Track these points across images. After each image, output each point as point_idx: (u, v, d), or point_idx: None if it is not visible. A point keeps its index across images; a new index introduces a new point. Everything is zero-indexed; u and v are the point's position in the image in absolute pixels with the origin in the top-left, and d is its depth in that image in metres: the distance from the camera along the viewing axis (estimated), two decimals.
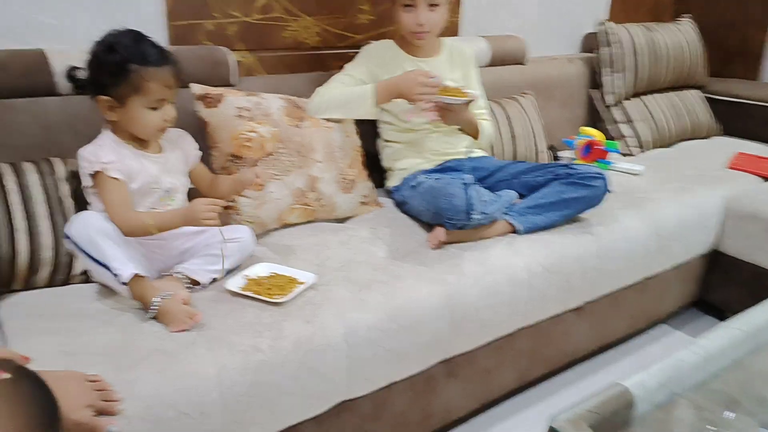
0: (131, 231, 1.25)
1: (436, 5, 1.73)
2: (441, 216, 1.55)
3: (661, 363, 1.04)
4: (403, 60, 1.84)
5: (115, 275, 1.17)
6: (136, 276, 1.17)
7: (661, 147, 2.58)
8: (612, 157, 2.28)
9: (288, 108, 1.67)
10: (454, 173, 1.72)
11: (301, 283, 1.35)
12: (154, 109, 1.27)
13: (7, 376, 0.66)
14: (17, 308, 1.24)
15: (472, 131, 1.89)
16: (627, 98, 2.57)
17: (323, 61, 2.06)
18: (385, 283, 1.41)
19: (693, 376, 1.05)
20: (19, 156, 1.40)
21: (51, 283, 1.32)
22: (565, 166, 1.73)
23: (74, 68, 1.30)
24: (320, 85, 1.82)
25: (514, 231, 1.67)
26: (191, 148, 1.44)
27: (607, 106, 2.55)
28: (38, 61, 1.46)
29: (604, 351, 2.01)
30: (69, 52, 1.46)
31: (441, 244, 1.57)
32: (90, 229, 1.17)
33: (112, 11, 1.64)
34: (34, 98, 1.46)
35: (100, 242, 1.17)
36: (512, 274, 1.57)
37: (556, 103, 2.50)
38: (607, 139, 2.32)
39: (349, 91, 1.74)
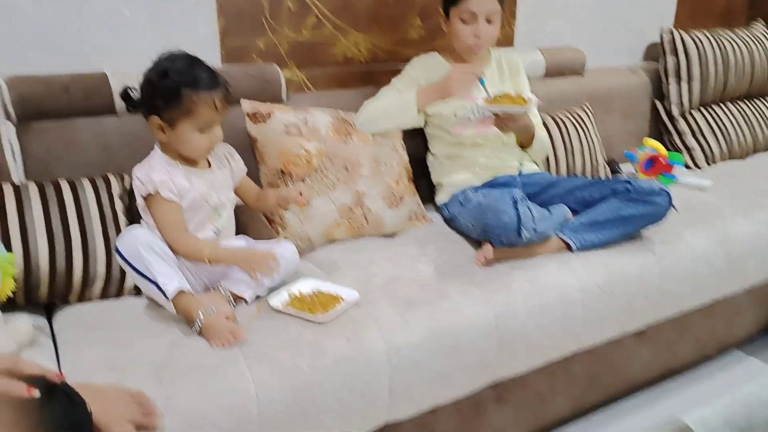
0: (185, 253, 1.27)
1: (492, 21, 1.72)
2: (489, 233, 1.51)
3: (727, 397, 0.95)
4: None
5: (161, 290, 1.19)
6: (181, 292, 1.19)
7: (731, 160, 2.42)
8: (677, 171, 2.16)
9: (335, 124, 1.67)
10: (504, 189, 1.66)
11: (345, 300, 1.34)
12: (203, 131, 1.30)
13: (36, 394, 0.66)
14: (71, 320, 1.28)
15: (528, 138, 1.83)
16: (694, 109, 2.43)
17: (373, 76, 2.06)
18: (431, 301, 1.37)
19: (764, 413, 0.95)
20: (79, 173, 1.46)
21: (104, 296, 1.36)
22: (625, 181, 1.64)
23: (128, 88, 1.34)
24: (369, 99, 1.82)
25: (569, 249, 1.60)
26: (238, 163, 1.46)
27: (672, 118, 2.42)
28: (99, 82, 1.52)
29: (668, 379, 1.88)
30: (128, 72, 1.51)
31: (489, 262, 1.52)
32: (137, 243, 1.20)
33: (169, 33, 1.70)
34: (94, 117, 1.52)
35: (146, 257, 1.19)
36: (565, 293, 1.50)
37: (617, 114, 2.40)
38: (671, 151, 2.20)
39: (393, 101, 1.73)
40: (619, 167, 2.25)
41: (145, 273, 1.20)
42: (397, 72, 2.05)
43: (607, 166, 2.16)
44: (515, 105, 1.64)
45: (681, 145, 2.39)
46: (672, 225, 1.70)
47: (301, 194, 1.40)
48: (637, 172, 2.18)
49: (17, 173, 1.42)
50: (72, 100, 1.48)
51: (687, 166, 2.33)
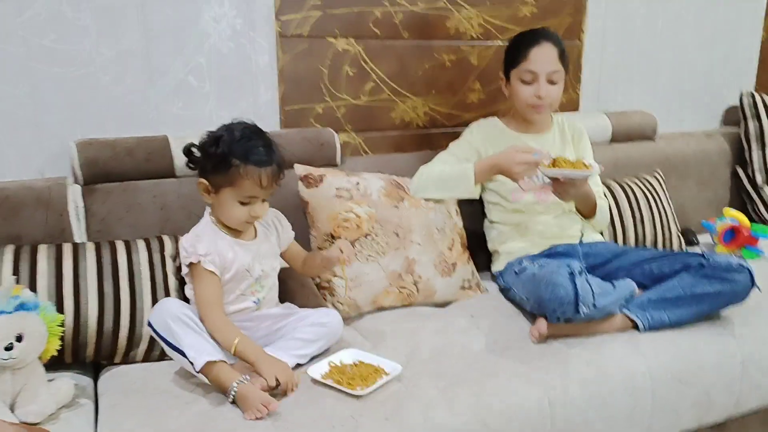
0: (213, 334, 1.25)
1: (554, 81, 1.68)
2: (544, 308, 1.40)
3: None
4: (510, 137, 1.76)
5: (191, 362, 1.17)
6: (212, 362, 1.17)
7: None
8: (763, 244, 1.97)
9: (387, 188, 1.65)
10: (562, 259, 1.56)
11: (387, 374, 1.27)
12: (245, 204, 1.29)
13: None
14: (114, 383, 1.29)
15: (589, 209, 1.73)
16: None
17: (430, 140, 2.05)
18: (477, 380, 1.28)
19: None
20: (137, 233, 1.51)
21: (147, 359, 1.36)
22: (699, 255, 1.50)
23: (192, 145, 1.37)
24: (424, 163, 1.80)
25: (635, 328, 1.46)
26: (286, 229, 1.46)
27: (756, 186, 2.24)
28: (161, 146, 1.59)
29: None
30: (188, 137, 1.57)
31: (543, 338, 1.41)
32: (167, 316, 1.20)
33: (233, 100, 1.77)
34: (154, 180, 1.58)
35: (176, 329, 1.19)
36: (631, 379, 1.36)
37: (693, 182, 2.25)
38: (755, 222, 2.02)
39: (449, 170, 1.69)
40: (696, 238, 2.09)
41: (175, 345, 1.20)
42: (455, 136, 2.03)
43: (681, 236, 2.00)
44: (576, 169, 1.56)
45: (767, 215, 2.20)
46: (755, 305, 1.53)
47: (341, 250, 1.36)
48: (716, 244, 2.01)
49: (79, 233, 1.48)
50: (135, 162, 1.55)
51: None
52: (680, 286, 1.47)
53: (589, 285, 1.39)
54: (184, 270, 1.33)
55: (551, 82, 1.68)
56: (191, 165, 1.37)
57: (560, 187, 1.61)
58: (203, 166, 1.32)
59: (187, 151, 1.37)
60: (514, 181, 1.59)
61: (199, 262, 1.27)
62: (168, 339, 1.21)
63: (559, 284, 1.37)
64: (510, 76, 1.73)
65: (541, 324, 1.41)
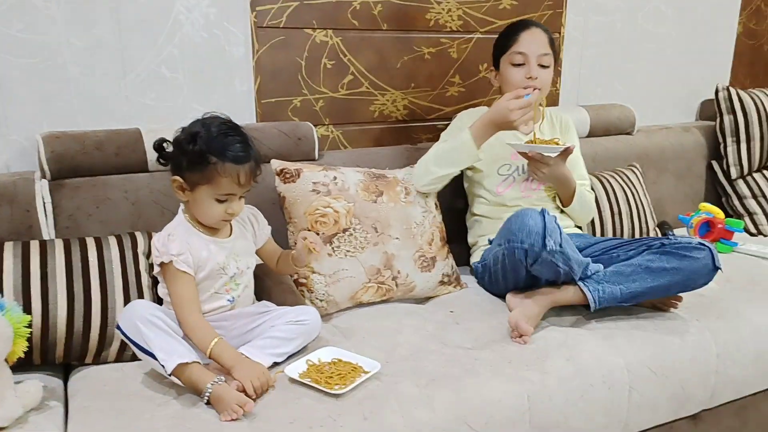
0: (191, 335, 1.22)
1: (545, 66, 1.68)
2: (512, 244, 1.41)
3: None
4: None
5: (162, 365, 1.14)
6: (183, 364, 1.14)
7: None
8: (738, 237, 2.00)
9: (365, 183, 1.63)
10: None
11: (365, 372, 1.26)
12: (221, 201, 1.26)
13: None
14: (85, 384, 1.25)
15: (567, 193, 1.73)
16: (755, 171, 2.27)
17: (409, 133, 2.03)
18: (457, 378, 1.27)
19: None
20: (108, 229, 1.47)
21: (119, 359, 1.32)
22: (663, 237, 1.51)
23: (164, 140, 1.32)
24: (405, 157, 1.79)
25: (587, 304, 1.46)
26: (261, 226, 1.43)
27: (731, 180, 2.27)
28: (133, 139, 1.54)
29: None
30: (162, 130, 1.53)
31: (526, 335, 1.40)
32: (136, 318, 1.17)
33: (207, 92, 1.73)
34: (126, 175, 1.53)
35: (145, 332, 1.15)
36: (609, 374, 1.37)
37: (670, 176, 2.27)
38: (730, 216, 2.05)
39: (445, 145, 1.66)
40: (672, 231, 2.10)
41: (145, 348, 1.16)
42: (434, 129, 2.02)
43: (657, 230, 2.02)
44: (545, 145, 1.59)
45: (741, 209, 2.23)
46: (730, 299, 1.55)
47: (305, 238, 1.34)
48: (691, 237, 2.03)
49: (47, 230, 1.44)
50: (105, 156, 1.50)
51: (749, 233, 2.15)
52: (637, 262, 1.46)
53: (557, 226, 1.40)
54: (156, 269, 1.29)
55: (542, 66, 1.67)
56: (162, 161, 1.33)
57: (533, 165, 1.65)
58: (177, 163, 1.27)
59: (159, 146, 1.32)
60: (515, 129, 1.59)
61: (171, 261, 1.23)
62: (138, 342, 1.17)
63: (528, 215, 1.40)
64: (500, 64, 1.72)
65: (520, 325, 1.40)
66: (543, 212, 1.40)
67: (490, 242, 1.66)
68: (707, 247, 1.44)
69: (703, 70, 2.56)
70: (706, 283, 1.47)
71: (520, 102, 1.54)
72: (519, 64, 1.68)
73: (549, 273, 1.44)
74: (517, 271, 1.47)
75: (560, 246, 1.37)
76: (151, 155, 1.52)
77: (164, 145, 1.32)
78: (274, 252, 1.46)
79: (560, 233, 1.38)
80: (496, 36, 1.77)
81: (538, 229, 1.37)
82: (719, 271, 1.45)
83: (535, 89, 1.62)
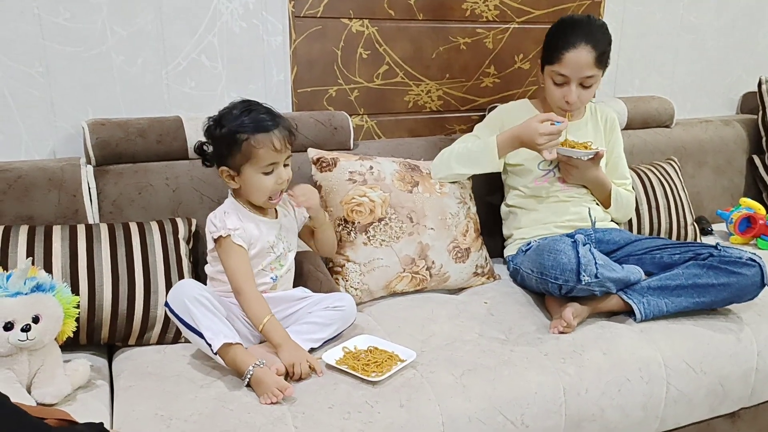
0: (246, 307, 1.26)
1: (587, 86, 1.62)
2: (546, 277, 1.40)
3: None
4: None
5: (208, 344, 1.17)
6: (229, 344, 1.17)
7: None
8: None
9: (401, 173, 1.64)
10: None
11: (402, 360, 1.27)
12: (268, 174, 1.29)
13: None
14: (129, 364, 1.29)
15: (602, 196, 1.71)
16: None
17: (443, 124, 2.03)
18: (491, 368, 1.28)
19: None
20: (149, 215, 1.50)
21: (161, 341, 1.36)
22: (711, 246, 1.48)
23: (203, 143, 1.36)
24: (439, 148, 1.78)
25: (632, 314, 1.45)
26: (300, 208, 1.44)
27: None
28: (174, 126, 1.57)
29: None
30: (201, 118, 1.55)
31: (571, 325, 1.39)
32: (185, 296, 1.20)
33: (245, 81, 1.75)
34: (167, 162, 1.56)
35: (193, 310, 1.18)
36: (646, 368, 1.36)
37: (709, 170, 2.22)
38: None
39: (471, 145, 1.66)
40: (710, 227, 2.06)
41: (192, 326, 1.19)
42: (468, 120, 2.01)
43: (695, 225, 1.98)
44: (575, 149, 1.57)
45: None
46: None
47: (290, 194, 1.36)
48: (731, 233, 1.99)
49: (92, 214, 1.47)
50: (147, 143, 1.53)
51: None
52: (684, 276, 1.44)
53: (592, 255, 1.37)
54: (210, 245, 1.32)
55: (584, 86, 1.62)
56: (207, 163, 1.37)
57: (563, 167, 1.65)
58: (218, 155, 1.32)
59: (200, 149, 1.37)
60: (537, 152, 1.56)
61: (229, 235, 1.27)
62: (185, 320, 1.20)
63: (561, 251, 1.37)
64: (544, 70, 1.67)
65: (566, 312, 1.39)
66: (576, 244, 1.37)
67: (525, 246, 1.64)
68: (757, 263, 1.41)
69: (745, 62, 2.49)
70: (751, 299, 1.45)
71: (550, 128, 1.51)
72: (559, 83, 1.63)
73: (586, 296, 1.42)
74: (552, 293, 1.46)
75: (596, 276, 1.35)
76: (192, 143, 1.55)
77: (204, 147, 1.36)
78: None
79: (595, 262, 1.35)
80: (533, 26, 1.74)
81: (572, 265, 1.34)
82: (767, 287, 1.42)
83: (566, 118, 1.57)
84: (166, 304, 1.24)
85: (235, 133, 1.26)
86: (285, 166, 1.32)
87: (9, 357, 1.08)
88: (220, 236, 1.28)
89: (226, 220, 1.29)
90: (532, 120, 1.55)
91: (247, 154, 1.27)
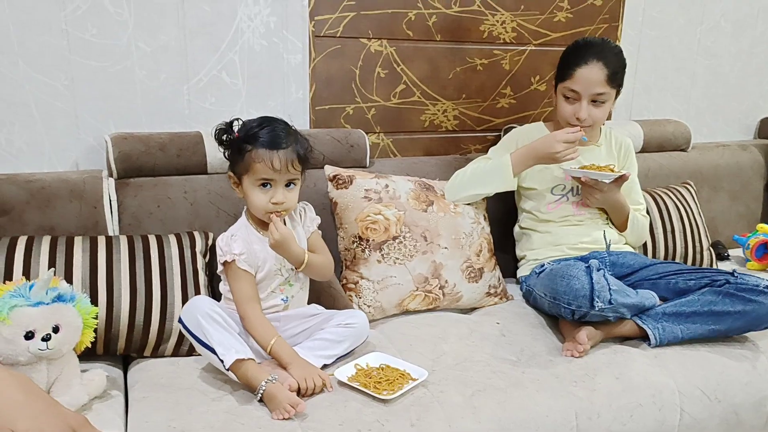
0: (252, 331, 1.28)
1: (601, 101, 1.63)
2: (560, 303, 1.40)
3: None
4: None
5: (221, 360, 1.18)
6: (241, 360, 1.18)
7: None
8: None
9: (416, 191, 1.65)
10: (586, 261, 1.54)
11: (413, 379, 1.27)
12: (264, 190, 1.30)
13: None
14: (143, 375, 1.30)
15: (621, 220, 1.71)
16: None
17: (459, 144, 2.04)
18: (502, 389, 1.28)
19: None
20: (166, 228, 1.52)
21: (176, 353, 1.37)
22: (728, 273, 1.47)
23: (222, 130, 1.35)
24: (454, 168, 1.79)
25: (646, 339, 1.44)
26: (309, 217, 1.44)
27: None
28: (194, 141, 1.60)
29: None
30: None
31: (584, 349, 1.39)
32: (197, 313, 1.21)
33: (264, 98, 1.78)
34: (185, 176, 1.59)
35: (206, 326, 1.20)
36: (659, 394, 1.35)
37: (725, 194, 2.21)
38: None
39: (485, 166, 1.67)
40: (726, 253, 2.05)
41: (205, 342, 1.21)
42: (484, 140, 2.02)
43: (711, 250, 1.97)
44: (599, 171, 1.58)
45: None
46: None
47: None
48: (747, 259, 1.98)
49: (112, 226, 1.50)
50: (167, 157, 1.56)
51: None
52: (699, 302, 1.43)
53: (606, 281, 1.37)
54: (219, 268, 1.34)
55: (596, 103, 1.63)
56: (222, 146, 1.36)
57: (586, 190, 1.64)
58: (229, 159, 1.36)
59: (219, 133, 1.36)
60: (554, 162, 1.56)
61: (234, 261, 1.29)
62: (198, 336, 1.22)
63: (574, 276, 1.37)
64: (557, 89, 1.69)
65: (581, 334, 1.39)
66: (590, 270, 1.36)
67: (539, 268, 1.64)
68: None
69: (762, 88, 2.49)
70: (767, 328, 1.43)
71: (568, 136, 1.52)
72: (571, 100, 1.64)
73: (599, 321, 1.42)
74: (565, 318, 1.46)
75: (609, 302, 1.35)
76: (211, 158, 1.59)
77: (223, 134, 1.36)
78: (315, 247, 1.43)
79: (609, 288, 1.35)
80: (550, 49, 1.75)
81: (586, 291, 1.34)
82: None
83: (581, 129, 1.58)
84: (180, 320, 1.26)
85: (242, 141, 1.29)
86: (287, 187, 1.31)
87: (28, 366, 1.11)
88: (226, 261, 1.31)
89: (233, 244, 1.30)
90: (551, 134, 1.57)
91: (246, 166, 1.29)
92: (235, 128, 1.34)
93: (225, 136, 1.34)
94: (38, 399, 0.72)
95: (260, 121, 1.32)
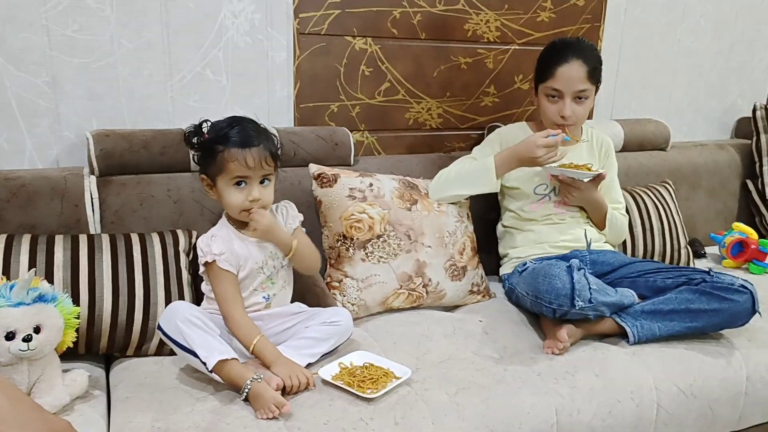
0: (235, 331, 1.28)
1: (583, 98, 1.65)
2: (541, 301, 1.42)
3: None
4: None
5: (203, 363, 1.19)
6: (224, 361, 1.18)
7: None
8: None
9: (400, 190, 1.66)
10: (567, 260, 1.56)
11: (397, 377, 1.28)
12: (239, 188, 1.30)
13: None
14: (126, 375, 1.30)
15: (598, 217, 1.74)
16: None
17: (442, 141, 2.06)
18: (486, 387, 1.29)
19: None
20: (150, 227, 1.51)
21: (159, 352, 1.37)
22: (704, 271, 1.51)
23: (192, 133, 1.36)
24: (438, 166, 1.80)
25: (625, 337, 1.47)
26: (291, 215, 1.44)
27: (766, 200, 2.25)
28: (178, 139, 1.58)
29: None
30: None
31: (564, 346, 1.41)
32: (176, 318, 1.21)
33: (248, 95, 1.77)
34: (169, 174, 1.58)
35: (186, 331, 1.20)
36: (638, 391, 1.37)
37: (703, 193, 2.26)
38: (763, 236, 2.03)
39: (469, 167, 1.68)
40: (703, 250, 2.09)
41: (186, 346, 1.21)
42: (468, 138, 2.04)
43: (689, 248, 2.01)
44: (577, 170, 1.60)
45: None
46: (762, 321, 1.54)
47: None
48: (723, 257, 2.02)
49: (94, 225, 1.49)
50: (150, 155, 1.55)
51: None
52: (677, 300, 1.47)
53: (587, 280, 1.39)
54: (201, 269, 1.34)
55: (578, 99, 1.65)
56: (193, 148, 1.37)
57: (564, 188, 1.67)
58: (200, 162, 1.35)
59: (188, 135, 1.37)
60: (537, 165, 1.58)
61: (215, 261, 1.28)
62: (178, 341, 1.22)
63: (555, 276, 1.39)
64: (538, 89, 1.71)
65: (561, 331, 1.41)
66: (570, 269, 1.39)
67: (521, 267, 1.66)
68: (749, 290, 1.44)
69: (740, 88, 2.54)
70: (742, 325, 1.47)
71: (547, 139, 1.54)
72: (554, 99, 1.66)
73: (580, 319, 1.44)
74: (546, 316, 1.49)
75: (590, 301, 1.37)
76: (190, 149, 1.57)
77: (191, 137, 1.37)
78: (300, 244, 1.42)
79: (589, 287, 1.38)
80: (533, 48, 1.77)
81: (567, 291, 1.37)
82: (758, 314, 1.45)
83: (563, 131, 1.60)
84: (159, 327, 1.26)
85: (213, 143, 1.29)
86: (262, 184, 1.32)
87: (9, 366, 1.10)
88: (207, 261, 1.30)
89: (212, 244, 1.30)
90: (531, 136, 1.59)
91: (220, 166, 1.29)
92: (205, 130, 1.33)
93: (195, 138, 1.33)
94: (23, 404, 0.72)
95: (229, 122, 1.32)
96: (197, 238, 1.49)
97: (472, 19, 1.97)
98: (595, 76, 1.66)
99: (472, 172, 1.65)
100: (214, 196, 1.35)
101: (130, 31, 1.59)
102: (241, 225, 1.36)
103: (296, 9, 1.75)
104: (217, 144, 1.29)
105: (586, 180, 1.63)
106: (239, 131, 1.30)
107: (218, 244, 1.30)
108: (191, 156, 1.38)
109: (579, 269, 1.39)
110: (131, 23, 1.58)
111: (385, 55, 1.90)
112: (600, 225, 1.76)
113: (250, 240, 1.35)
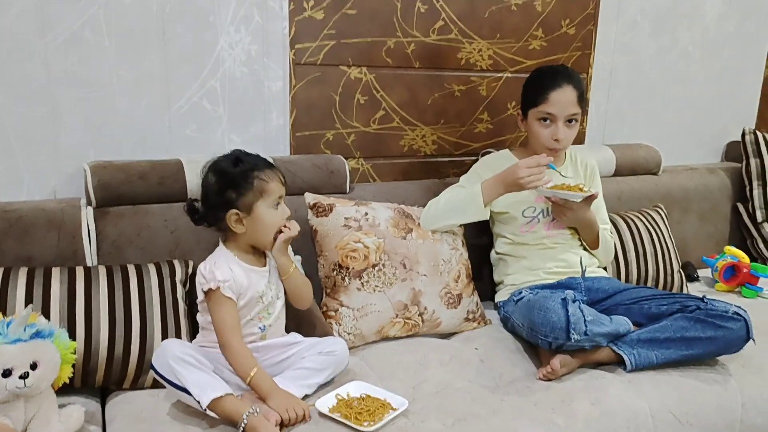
0: (232, 361, 1.28)
1: (573, 121, 1.70)
2: (536, 333, 1.43)
3: None
4: None
5: (197, 401, 1.18)
6: (219, 398, 1.18)
7: None
8: (763, 283, 2.00)
9: (396, 219, 1.67)
10: (562, 290, 1.58)
11: (394, 409, 1.28)
12: (277, 207, 1.35)
13: None
14: (123, 409, 1.29)
15: (591, 239, 1.76)
16: None
17: (437, 168, 2.08)
18: (482, 417, 1.30)
19: None
20: (147, 257, 1.52)
21: (156, 385, 1.36)
22: (698, 298, 1.52)
23: (193, 201, 1.39)
24: (433, 192, 1.82)
25: (622, 364, 1.49)
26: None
27: (757, 223, 2.27)
28: (175, 169, 1.60)
29: None
30: (201, 161, 1.58)
31: (556, 374, 1.42)
32: (168, 357, 1.21)
33: (245, 124, 1.79)
34: (166, 204, 1.59)
35: (178, 369, 1.20)
36: (634, 419, 1.38)
37: (695, 216, 2.28)
38: (755, 261, 2.05)
39: (457, 195, 1.70)
40: (696, 274, 2.11)
41: (179, 385, 1.20)
42: (462, 164, 2.06)
43: (681, 272, 2.03)
44: (569, 191, 1.62)
45: (767, 252, 2.23)
46: (756, 347, 1.55)
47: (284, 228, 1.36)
48: (716, 281, 2.04)
49: (91, 256, 1.49)
50: (148, 186, 1.56)
51: None
52: (672, 328, 1.48)
53: (581, 312, 1.41)
54: (200, 297, 1.34)
55: (569, 122, 1.69)
56: (197, 220, 1.38)
57: (557, 209, 1.69)
58: (226, 200, 1.32)
59: (191, 208, 1.38)
60: (522, 189, 1.59)
61: (218, 288, 1.29)
62: (171, 380, 1.21)
63: (551, 309, 1.40)
64: (527, 115, 1.73)
65: (554, 361, 1.42)
66: (566, 303, 1.41)
67: (516, 296, 1.67)
68: (742, 317, 1.46)
69: (730, 112, 2.58)
70: (736, 351, 1.49)
71: (529, 161, 1.57)
72: (547, 123, 1.69)
73: (576, 349, 1.45)
74: (542, 347, 1.50)
75: (585, 333, 1.39)
76: (192, 185, 1.58)
77: (195, 204, 1.38)
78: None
79: (584, 320, 1.39)
80: (525, 75, 1.79)
81: (562, 324, 1.38)
82: (751, 341, 1.47)
83: (549, 156, 1.63)
84: (152, 367, 1.26)
85: (248, 171, 1.32)
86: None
87: (6, 404, 1.09)
88: (210, 288, 1.30)
89: (216, 271, 1.30)
90: (514, 163, 1.61)
91: (260, 191, 1.32)
92: (234, 167, 1.34)
93: (237, 168, 1.33)
94: None
95: (237, 154, 1.36)
96: (194, 267, 1.50)
97: (465, 48, 2.01)
98: (582, 100, 1.71)
99: (461, 200, 1.68)
100: (243, 229, 1.33)
101: (129, 63, 1.61)
102: (241, 253, 1.36)
103: (292, 40, 1.78)
104: (252, 171, 1.33)
105: (578, 200, 1.65)
106: (256, 158, 1.37)
107: (222, 270, 1.31)
108: (223, 195, 1.34)
109: (574, 301, 1.41)
110: (130, 55, 1.60)
111: (379, 83, 1.92)
112: (593, 245, 1.77)
113: (249, 267, 1.36)
